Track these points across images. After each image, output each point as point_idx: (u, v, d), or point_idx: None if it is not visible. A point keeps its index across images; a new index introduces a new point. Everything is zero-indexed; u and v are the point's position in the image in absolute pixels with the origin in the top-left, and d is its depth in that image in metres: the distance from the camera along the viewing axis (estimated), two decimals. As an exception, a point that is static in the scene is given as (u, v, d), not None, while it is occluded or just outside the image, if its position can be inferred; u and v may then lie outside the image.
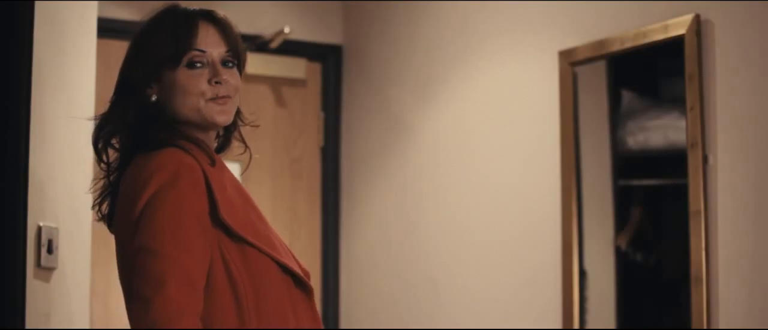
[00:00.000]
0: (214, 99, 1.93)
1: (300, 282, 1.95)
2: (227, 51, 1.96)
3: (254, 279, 1.87)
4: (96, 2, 2.74)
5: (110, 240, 4.31)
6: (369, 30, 4.32)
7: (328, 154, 4.41)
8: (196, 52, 1.92)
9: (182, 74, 1.92)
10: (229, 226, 1.86)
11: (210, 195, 1.85)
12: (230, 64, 1.96)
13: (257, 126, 2.10)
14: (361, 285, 4.26)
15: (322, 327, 1.99)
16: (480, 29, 3.71)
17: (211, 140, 2.01)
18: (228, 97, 1.94)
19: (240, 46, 1.99)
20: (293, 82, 4.38)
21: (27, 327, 2.18)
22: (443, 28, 3.90)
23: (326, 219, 4.39)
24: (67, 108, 2.49)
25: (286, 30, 4.17)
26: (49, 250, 2.30)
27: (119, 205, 1.91)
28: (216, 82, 1.92)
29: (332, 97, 4.43)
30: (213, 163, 1.91)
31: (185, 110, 1.93)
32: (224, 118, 1.95)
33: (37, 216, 2.26)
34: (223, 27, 1.96)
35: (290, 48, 4.31)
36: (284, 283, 1.92)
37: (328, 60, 4.44)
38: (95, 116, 2.00)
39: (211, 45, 1.94)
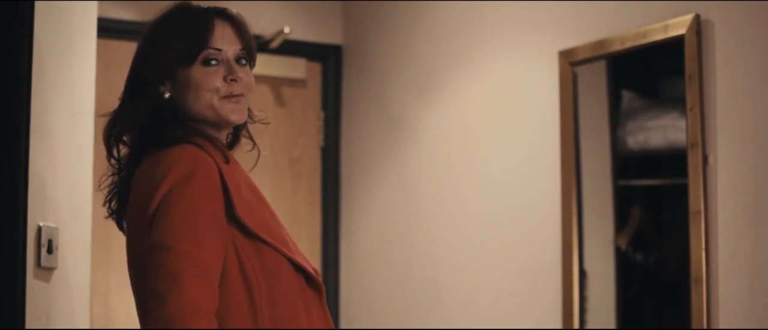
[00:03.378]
0: (228, 97, 1.93)
1: (311, 280, 1.95)
2: (242, 49, 1.96)
3: (268, 276, 1.87)
4: (96, 2, 2.74)
5: (110, 240, 4.32)
6: (369, 30, 4.32)
7: (328, 154, 4.41)
8: (212, 50, 1.93)
9: (197, 72, 1.92)
10: (245, 224, 1.85)
11: (225, 192, 1.84)
12: (244, 62, 1.97)
13: (268, 123, 2.11)
14: (361, 285, 4.26)
15: (333, 326, 1.98)
16: (480, 29, 3.71)
17: (224, 138, 2.01)
18: (241, 95, 1.95)
19: (253, 43, 2.00)
20: (293, 82, 4.38)
21: (27, 327, 2.18)
22: (443, 27, 3.90)
23: (326, 219, 4.39)
24: (67, 108, 2.49)
25: (286, 30, 4.17)
26: (49, 250, 2.30)
27: (132, 202, 1.90)
28: (231, 80, 1.93)
29: (332, 97, 4.43)
30: (227, 160, 1.91)
31: (199, 107, 1.92)
32: (238, 117, 1.95)
33: (37, 216, 2.26)
34: (237, 25, 1.97)
35: (290, 48, 4.31)
36: (297, 281, 1.91)
37: (328, 60, 4.44)
38: (107, 113, 1.99)
39: (226, 43, 1.94)
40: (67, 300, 2.46)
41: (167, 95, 1.93)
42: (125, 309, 3.96)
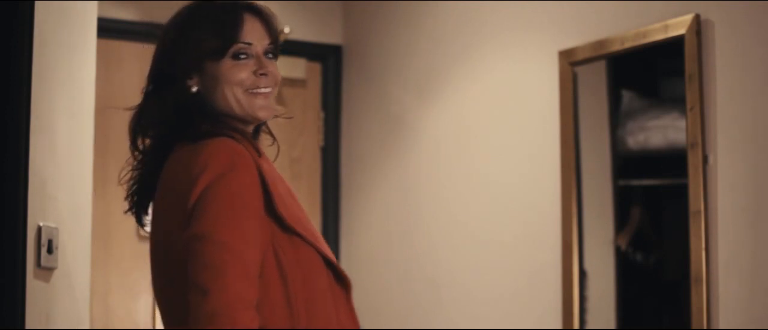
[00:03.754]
0: (255, 92, 1.93)
1: (339, 277, 1.94)
2: (270, 43, 1.97)
3: (303, 272, 1.85)
4: (96, 2, 2.74)
5: (110, 240, 4.30)
6: (369, 30, 4.32)
7: (328, 154, 4.41)
8: (242, 45, 1.92)
9: (226, 65, 1.91)
10: (283, 218, 1.84)
11: (263, 186, 1.83)
12: (271, 56, 1.98)
13: (291, 117, 2.10)
14: (361, 285, 4.26)
15: (359, 324, 1.96)
16: (480, 29, 3.72)
17: (250, 132, 2.00)
18: (269, 90, 1.95)
19: (279, 38, 2.00)
20: (293, 82, 4.38)
21: (27, 327, 2.18)
22: (443, 27, 3.90)
23: (326, 219, 4.39)
24: (67, 108, 2.49)
25: (286, 30, 4.17)
26: (49, 250, 2.30)
27: (162, 196, 1.88)
28: (262, 74, 1.93)
29: (332, 97, 4.43)
30: (259, 154, 1.90)
31: (227, 101, 1.92)
32: (266, 113, 1.95)
33: (37, 216, 2.26)
34: (266, 19, 1.97)
35: (290, 48, 4.31)
36: (327, 277, 1.90)
37: (328, 60, 4.44)
38: (132, 107, 1.97)
39: (256, 37, 1.94)
40: (67, 300, 2.46)
41: (195, 89, 1.92)
42: (125, 309, 3.96)
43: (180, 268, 1.78)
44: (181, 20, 1.95)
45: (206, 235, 1.74)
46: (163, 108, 1.92)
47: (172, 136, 1.91)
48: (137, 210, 1.99)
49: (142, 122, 1.95)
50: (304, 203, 4.33)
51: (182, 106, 1.91)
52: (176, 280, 1.80)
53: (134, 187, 1.99)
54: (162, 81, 1.94)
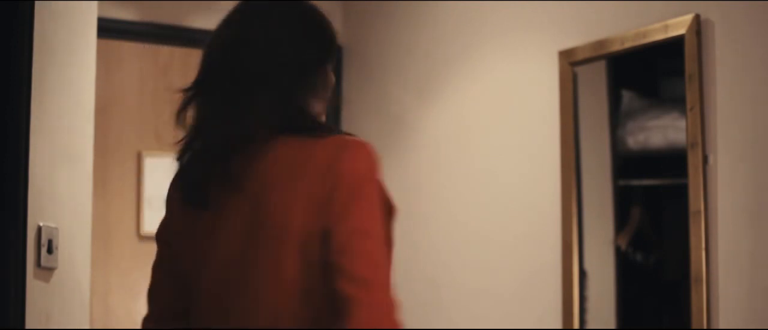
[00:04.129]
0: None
1: None
2: None
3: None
4: (96, 2, 2.74)
5: (110, 240, 4.29)
6: (369, 30, 4.32)
7: (328, 154, 4.41)
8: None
9: (329, 70, 1.97)
10: (390, 224, 1.89)
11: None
12: None
13: None
14: (361, 285, 4.26)
15: None
16: (480, 29, 3.72)
17: None
18: None
19: None
20: (293, 82, 4.38)
21: (27, 327, 2.18)
22: (443, 28, 3.90)
23: (326, 219, 4.38)
24: (67, 108, 2.49)
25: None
26: (49, 250, 2.30)
27: (271, 183, 1.84)
28: (331, 87, 2.00)
29: (332, 97, 4.42)
30: None
31: (319, 103, 1.97)
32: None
33: (37, 216, 2.26)
34: None
35: (290, 48, 4.30)
36: None
37: (328, 60, 4.44)
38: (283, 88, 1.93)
39: None
40: (67, 300, 2.46)
41: (325, 80, 1.96)
42: (125, 309, 3.96)
43: (300, 253, 1.79)
44: (313, 19, 1.95)
45: (372, 232, 1.80)
46: (318, 93, 1.96)
47: (274, 127, 1.88)
48: (199, 196, 1.89)
49: (298, 99, 1.92)
50: (304, 203, 4.36)
51: (301, 96, 1.92)
52: (298, 266, 1.80)
53: (210, 168, 1.90)
54: (305, 66, 1.92)
